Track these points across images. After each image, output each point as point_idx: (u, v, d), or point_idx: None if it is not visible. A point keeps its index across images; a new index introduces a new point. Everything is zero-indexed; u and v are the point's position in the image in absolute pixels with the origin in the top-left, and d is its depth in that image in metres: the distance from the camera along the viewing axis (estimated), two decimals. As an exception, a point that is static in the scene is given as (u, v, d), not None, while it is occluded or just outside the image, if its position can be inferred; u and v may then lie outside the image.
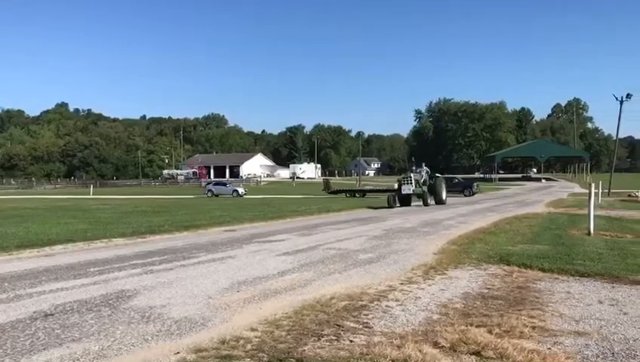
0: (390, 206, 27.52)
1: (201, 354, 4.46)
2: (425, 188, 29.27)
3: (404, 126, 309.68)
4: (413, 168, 31.79)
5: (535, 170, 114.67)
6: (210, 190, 56.46)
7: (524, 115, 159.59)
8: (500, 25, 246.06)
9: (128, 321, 5.44)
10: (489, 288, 7.17)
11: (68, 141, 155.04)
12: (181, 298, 6.51)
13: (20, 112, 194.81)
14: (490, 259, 9.38)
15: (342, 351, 4.55)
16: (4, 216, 24.33)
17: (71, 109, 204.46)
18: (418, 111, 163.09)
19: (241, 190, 55.62)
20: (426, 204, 27.79)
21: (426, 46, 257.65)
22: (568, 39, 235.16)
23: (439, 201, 29.39)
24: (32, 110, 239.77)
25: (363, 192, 47.26)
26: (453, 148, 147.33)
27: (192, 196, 53.11)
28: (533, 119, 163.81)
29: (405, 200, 28.95)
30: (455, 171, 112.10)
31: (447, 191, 47.65)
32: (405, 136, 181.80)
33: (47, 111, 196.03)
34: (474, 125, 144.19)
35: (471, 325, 5.26)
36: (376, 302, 6.27)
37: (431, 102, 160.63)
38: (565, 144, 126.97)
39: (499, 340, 4.77)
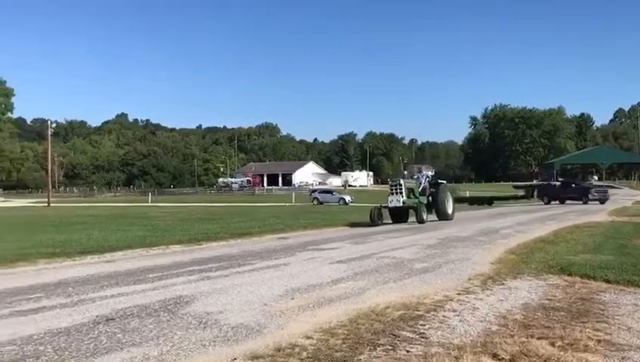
0: (373, 222, 20.95)
1: (257, 361, 4.49)
2: (423, 199, 22.91)
3: (458, 133, 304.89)
4: (405, 173, 25.46)
5: (596, 177, 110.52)
6: (316, 198, 56.96)
7: (584, 121, 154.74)
8: (558, 30, 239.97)
9: (186, 327, 5.53)
10: (550, 299, 6.93)
11: (127, 150, 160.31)
12: (237, 304, 6.58)
13: (83, 123, 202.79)
14: (551, 269, 9.07)
15: (398, 361, 4.49)
16: (67, 223, 25.29)
17: (130, 120, 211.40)
18: (473, 118, 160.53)
19: (347, 198, 55.34)
20: (420, 221, 21.07)
21: (481, 52, 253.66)
22: (630, 41, 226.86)
23: (443, 216, 22.91)
24: (94, 121, 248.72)
25: (489, 200, 43.49)
26: (510, 155, 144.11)
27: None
28: (594, 125, 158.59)
29: (399, 215, 22.58)
30: (516, 179, 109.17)
31: (568, 198, 41.17)
32: (460, 143, 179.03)
33: (108, 122, 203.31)
34: (531, 131, 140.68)
35: (532, 337, 5.09)
36: (432, 312, 6.16)
37: (486, 109, 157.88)
38: (629, 150, 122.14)
39: (562, 353, 4.59)
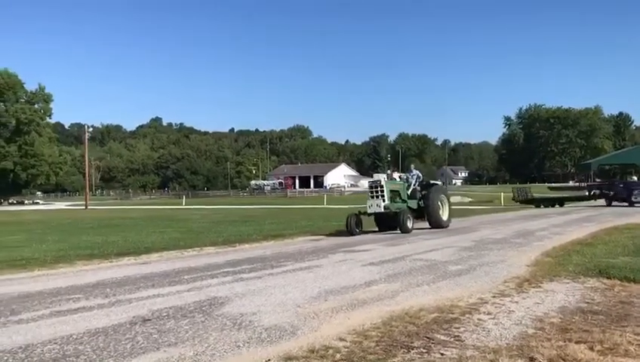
0: (350, 231, 17.62)
1: (291, 363, 4.52)
2: (412, 203, 19.42)
3: (492, 133, 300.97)
4: (389, 172, 20.98)
5: (635, 177, 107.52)
6: None
7: (622, 120, 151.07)
8: (593, 26, 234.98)
9: (221, 328, 5.59)
10: (588, 302, 6.78)
11: (162, 154, 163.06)
12: (270, 306, 6.62)
13: (118, 127, 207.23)
14: (589, 272, 8.86)
15: (433, 364, 4.46)
16: (104, 225, 25.85)
17: (164, 123, 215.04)
18: (507, 118, 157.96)
19: None
20: (404, 230, 17.33)
21: (514, 51, 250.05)
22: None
23: (436, 223, 19.12)
24: (129, 125, 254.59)
25: (560, 201, 40.48)
26: (546, 156, 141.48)
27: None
28: (633, 124, 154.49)
29: (385, 222, 18.77)
30: (551, 180, 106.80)
31: (612, 199, 36.09)
32: (494, 143, 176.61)
33: (143, 126, 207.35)
34: (567, 131, 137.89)
35: (569, 341, 4.99)
36: (467, 315, 6.09)
37: (521, 109, 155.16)
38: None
39: (601, 358, 4.50)
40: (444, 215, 19.95)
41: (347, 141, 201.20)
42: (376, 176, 19.89)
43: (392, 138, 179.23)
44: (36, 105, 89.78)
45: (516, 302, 6.78)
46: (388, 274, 9.11)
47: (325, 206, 55.07)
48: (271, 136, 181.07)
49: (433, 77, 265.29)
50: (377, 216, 18.87)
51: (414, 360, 4.55)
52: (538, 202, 40.64)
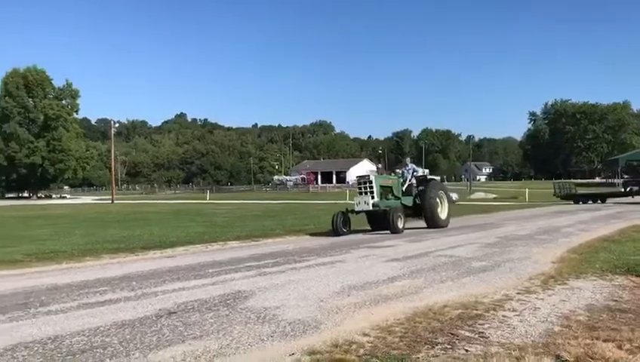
0: (337, 231, 16.23)
1: (315, 357, 4.51)
2: (407, 201, 17.94)
3: (517, 129, 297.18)
4: (379, 166, 18.75)
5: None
6: None
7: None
8: (619, 20, 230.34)
9: (245, 321, 5.63)
10: (616, 300, 6.66)
11: (186, 149, 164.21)
12: (294, 300, 6.64)
13: (144, 123, 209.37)
14: (617, 270, 8.70)
15: (457, 360, 4.42)
16: (130, 219, 26.19)
17: (189, 119, 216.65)
18: (532, 113, 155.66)
19: (454, 196, 54.20)
20: (393, 229, 15.96)
21: (541, 45, 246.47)
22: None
23: (433, 222, 17.72)
24: (154, 120, 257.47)
25: (602, 197, 38.66)
26: (572, 152, 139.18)
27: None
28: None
29: (378, 220, 17.10)
30: (577, 176, 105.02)
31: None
32: (519, 139, 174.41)
33: (168, 122, 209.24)
34: (594, 127, 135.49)
35: (597, 339, 4.90)
36: (491, 312, 6.03)
37: (546, 104, 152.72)
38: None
39: (630, 357, 4.41)
40: (443, 213, 18.47)
41: (370, 136, 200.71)
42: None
43: (415, 133, 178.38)
44: (64, 101, 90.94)
45: (542, 299, 6.69)
46: (411, 270, 9.07)
47: (348, 201, 54.99)
48: (294, 131, 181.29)
49: (456, 72, 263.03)
50: (369, 215, 17.61)
51: (438, 356, 4.52)
52: (578, 198, 39.15)
